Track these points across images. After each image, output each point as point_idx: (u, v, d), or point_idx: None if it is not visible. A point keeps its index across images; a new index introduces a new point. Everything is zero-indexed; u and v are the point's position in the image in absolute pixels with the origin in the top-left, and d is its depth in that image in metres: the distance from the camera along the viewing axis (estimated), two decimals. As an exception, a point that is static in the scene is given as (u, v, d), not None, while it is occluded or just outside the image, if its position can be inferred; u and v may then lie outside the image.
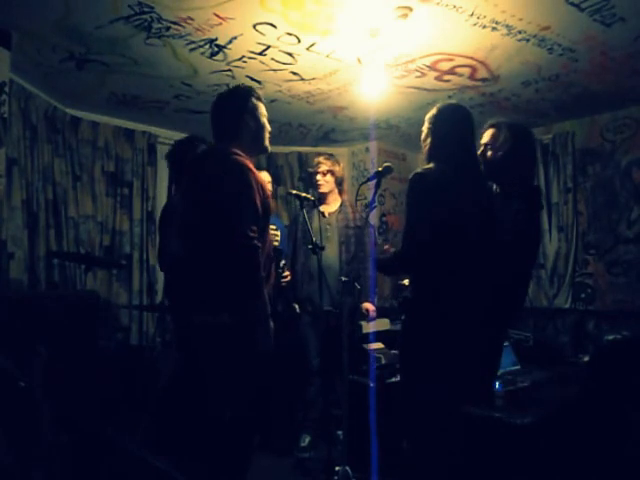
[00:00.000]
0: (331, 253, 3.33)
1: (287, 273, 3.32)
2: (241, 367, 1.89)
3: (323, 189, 3.44)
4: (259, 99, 2.10)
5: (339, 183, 3.49)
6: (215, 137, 2.12)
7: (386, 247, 2.20)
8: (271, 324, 1.93)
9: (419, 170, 2.01)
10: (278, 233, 3.54)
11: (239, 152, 1.95)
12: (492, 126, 2.20)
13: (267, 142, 2.13)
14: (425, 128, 2.12)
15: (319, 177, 3.42)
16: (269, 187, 3.48)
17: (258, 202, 1.89)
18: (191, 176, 2.06)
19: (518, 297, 2.22)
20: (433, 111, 2.11)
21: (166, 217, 2.62)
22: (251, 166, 1.94)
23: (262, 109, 2.10)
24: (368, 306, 3.35)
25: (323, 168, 3.41)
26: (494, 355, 2.23)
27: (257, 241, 1.84)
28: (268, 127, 2.12)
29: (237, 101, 2.06)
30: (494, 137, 2.17)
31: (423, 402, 1.97)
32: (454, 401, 1.96)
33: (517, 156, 2.11)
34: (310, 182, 3.64)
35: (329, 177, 3.43)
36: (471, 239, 1.95)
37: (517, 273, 2.11)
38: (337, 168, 3.47)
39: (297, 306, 3.44)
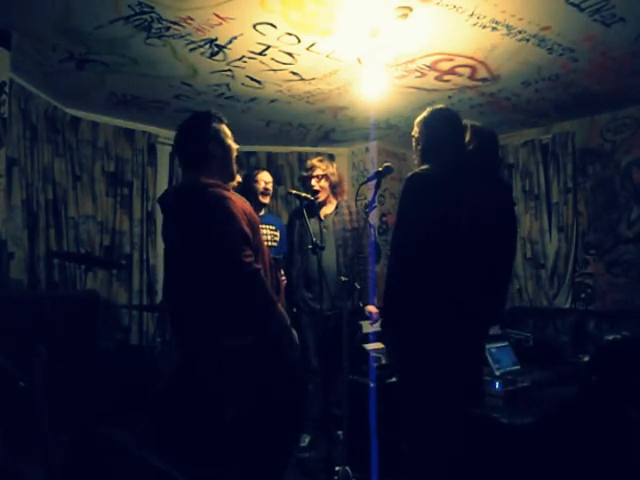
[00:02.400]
0: (329, 256, 3.28)
1: (282, 277, 3.31)
2: (274, 383, 1.89)
3: (318, 195, 3.33)
4: (221, 121, 2.02)
5: (333, 187, 3.39)
6: (183, 169, 2.05)
7: None
8: (294, 333, 1.92)
9: (417, 170, 2.03)
10: (278, 233, 3.55)
11: (210, 182, 1.87)
12: None
13: (234, 168, 2.04)
14: (415, 132, 2.16)
15: (314, 182, 3.33)
16: (270, 188, 3.47)
17: (245, 227, 1.83)
18: (170, 216, 1.99)
19: (500, 291, 2.24)
20: (422, 116, 2.15)
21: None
22: (226, 193, 1.87)
23: (225, 130, 2.01)
24: (371, 308, 3.33)
25: (318, 172, 3.32)
26: (482, 351, 2.27)
27: (256, 264, 1.81)
28: (234, 147, 2.03)
29: (198, 130, 1.98)
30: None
31: (420, 402, 1.97)
32: (451, 400, 1.96)
33: (482, 153, 2.21)
34: (304, 185, 3.47)
35: (324, 182, 3.33)
36: (467, 239, 1.96)
37: (499, 263, 2.12)
38: (331, 170, 3.37)
39: (295, 309, 3.45)
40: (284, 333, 1.89)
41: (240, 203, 1.90)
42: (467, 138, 2.23)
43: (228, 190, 1.92)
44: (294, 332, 1.93)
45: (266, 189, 3.42)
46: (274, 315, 1.87)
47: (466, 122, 2.30)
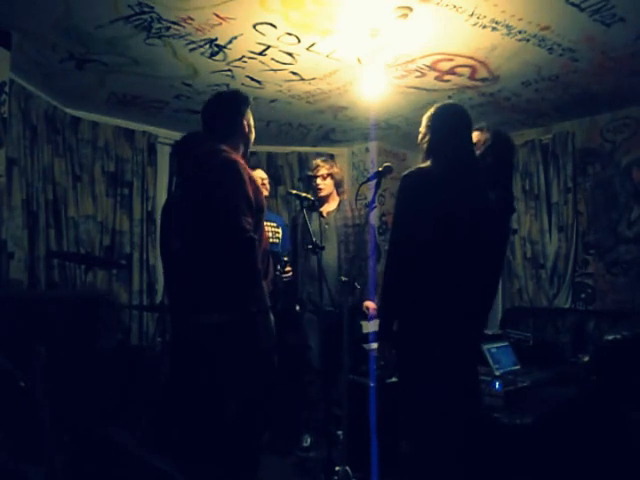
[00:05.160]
0: (330, 253, 3.31)
1: (288, 268, 3.31)
2: (245, 364, 1.89)
3: (323, 193, 3.41)
4: (250, 109, 2.19)
5: (338, 185, 3.47)
6: (207, 133, 2.14)
7: None
8: (271, 317, 1.94)
9: (412, 169, 2.05)
10: (279, 231, 3.55)
11: (230, 149, 1.99)
12: (477, 129, 2.33)
13: (249, 147, 2.21)
14: (423, 127, 2.16)
15: (319, 181, 3.40)
16: (266, 184, 3.48)
17: (251, 196, 1.91)
18: (186, 174, 2.08)
19: (492, 289, 2.26)
20: (431, 110, 2.16)
21: (165, 213, 2.60)
22: (243, 162, 1.98)
23: (251, 119, 2.19)
24: (369, 304, 3.34)
25: (323, 171, 3.38)
26: (479, 349, 2.28)
27: (254, 233, 1.85)
28: (253, 137, 2.20)
29: (237, 105, 2.14)
30: (478, 138, 2.29)
31: (420, 402, 1.97)
32: (451, 400, 1.96)
33: (495, 156, 2.23)
34: (309, 185, 3.58)
35: (329, 180, 3.41)
36: (464, 235, 1.96)
37: (486, 264, 2.13)
38: (336, 170, 3.45)
39: (298, 307, 3.45)
40: (262, 314, 1.90)
41: (249, 171, 1.99)
42: (483, 140, 2.24)
43: (242, 159, 2.02)
44: (272, 318, 1.95)
45: (263, 184, 3.43)
46: (256, 290, 1.89)
47: (486, 125, 2.30)
